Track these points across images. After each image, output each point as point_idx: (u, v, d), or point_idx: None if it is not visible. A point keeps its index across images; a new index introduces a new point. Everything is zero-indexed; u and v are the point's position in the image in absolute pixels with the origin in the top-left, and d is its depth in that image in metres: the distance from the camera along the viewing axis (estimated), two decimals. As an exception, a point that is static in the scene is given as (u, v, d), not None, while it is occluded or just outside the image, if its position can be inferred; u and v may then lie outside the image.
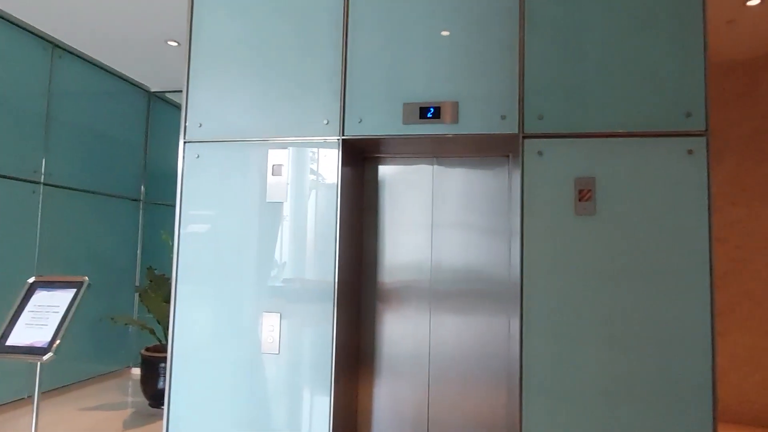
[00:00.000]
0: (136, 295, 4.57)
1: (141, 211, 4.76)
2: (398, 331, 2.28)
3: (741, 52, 3.65)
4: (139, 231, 4.73)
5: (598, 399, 1.82)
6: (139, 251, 4.71)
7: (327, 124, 2.07)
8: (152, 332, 3.54)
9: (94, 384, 4.20)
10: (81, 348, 4.11)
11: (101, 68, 4.30)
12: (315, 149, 2.08)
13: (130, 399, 3.86)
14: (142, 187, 4.77)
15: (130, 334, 4.59)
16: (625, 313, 1.83)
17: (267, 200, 2.10)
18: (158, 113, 4.88)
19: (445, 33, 2.03)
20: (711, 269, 1.80)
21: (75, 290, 2.58)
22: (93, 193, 4.20)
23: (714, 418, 1.75)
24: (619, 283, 1.85)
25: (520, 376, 1.86)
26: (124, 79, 4.55)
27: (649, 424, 1.78)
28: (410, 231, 2.33)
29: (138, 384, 4.15)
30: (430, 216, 2.31)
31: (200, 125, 2.17)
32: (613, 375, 1.82)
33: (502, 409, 2.17)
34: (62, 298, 2.58)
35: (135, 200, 4.69)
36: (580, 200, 1.88)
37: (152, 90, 4.83)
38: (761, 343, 3.60)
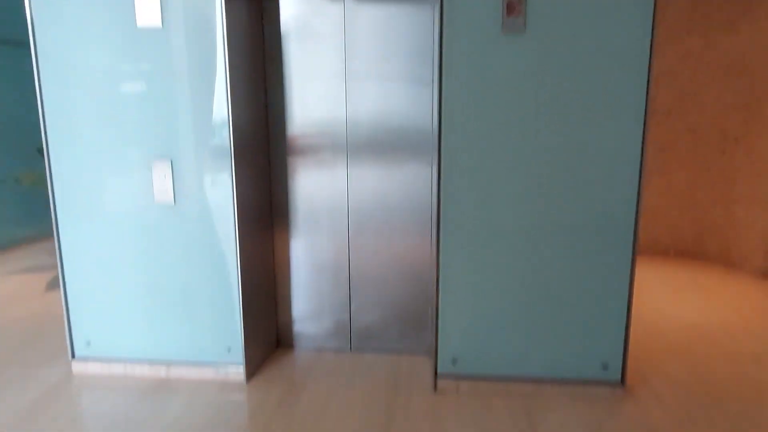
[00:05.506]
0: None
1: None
2: (313, 185, 2.07)
3: None
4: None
5: (519, 237, 1.73)
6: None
7: None
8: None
9: (24, 248, 4.01)
10: (5, 213, 3.82)
11: None
12: (189, -43, 1.65)
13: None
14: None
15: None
16: (553, 146, 1.66)
17: (137, 25, 1.71)
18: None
19: None
20: (647, 99, 1.60)
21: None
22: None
23: (633, 250, 1.69)
24: (546, 114, 1.64)
25: (437, 215, 1.73)
26: None
27: (572, 257, 1.72)
28: (322, 81, 2.00)
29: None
30: (343, 64, 1.97)
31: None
32: (536, 214, 1.71)
33: (427, 251, 2.08)
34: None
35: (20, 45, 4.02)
36: (508, 15, 1.58)
37: None
38: (698, 180, 3.61)
